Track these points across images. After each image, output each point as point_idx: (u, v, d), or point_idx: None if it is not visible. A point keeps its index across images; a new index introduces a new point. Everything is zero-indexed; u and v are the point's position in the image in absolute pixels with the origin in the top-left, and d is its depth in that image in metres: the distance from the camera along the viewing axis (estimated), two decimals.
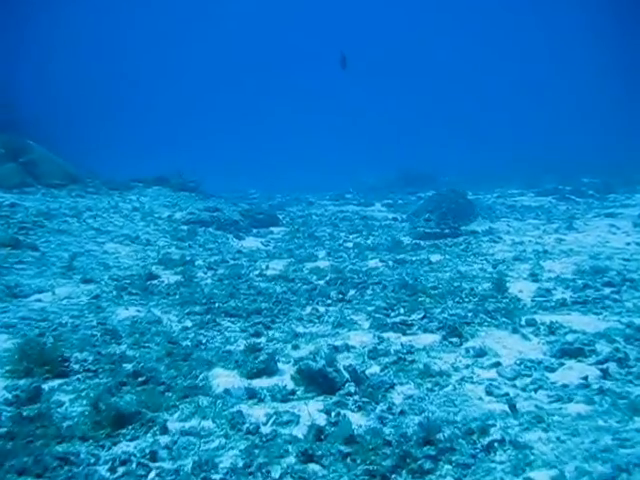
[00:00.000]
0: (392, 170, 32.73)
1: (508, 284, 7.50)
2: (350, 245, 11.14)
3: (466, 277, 8.36)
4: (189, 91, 65.77)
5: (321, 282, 8.39)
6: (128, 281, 8.31)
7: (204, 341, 5.99)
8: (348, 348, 5.56)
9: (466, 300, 7.01)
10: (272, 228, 13.02)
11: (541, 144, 39.25)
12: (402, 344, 5.55)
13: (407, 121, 55.79)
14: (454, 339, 5.56)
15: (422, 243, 10.98)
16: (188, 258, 9.86)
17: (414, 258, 9.82)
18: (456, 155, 38.58)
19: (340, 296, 7.39)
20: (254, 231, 12.59)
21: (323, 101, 64.95)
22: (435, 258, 9.72)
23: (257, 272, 9.10)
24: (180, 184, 14.26)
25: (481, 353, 5.18)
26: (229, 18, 70.53)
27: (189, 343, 5.89)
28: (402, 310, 6.69)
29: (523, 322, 6.04)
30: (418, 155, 38.38)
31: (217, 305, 7.15)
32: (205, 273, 9.07)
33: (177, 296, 7.60)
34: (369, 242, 11.49)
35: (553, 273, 8.28)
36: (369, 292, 7.63)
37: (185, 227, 11.85)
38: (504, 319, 6.17)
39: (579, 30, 54.41)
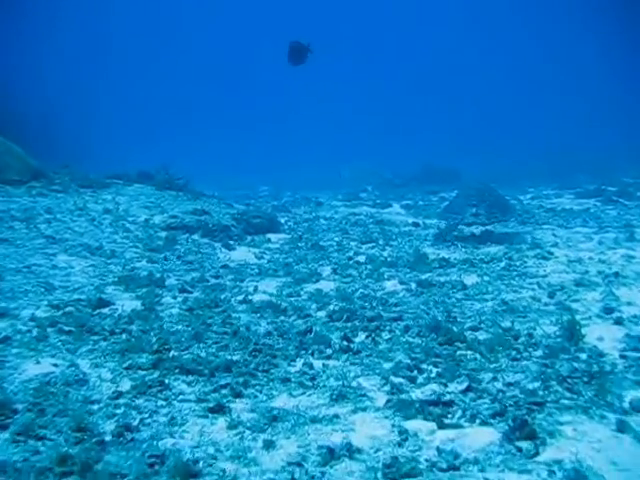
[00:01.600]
0: (411, 164, 30.67)
1: (579, 326, 5.36)
2: (362, 259, 9.04)
3: (516, 311, 6.24)
4: (196, 81, 64.05)
5: (322, 315, 6.34)
6: (70, 309, 6.31)
7: (136, 423, 3.94)
8: (351, 452, 3.47)
9: (525, 354, 4.90)
10: (270, 235, 10.93)
11: (569, 138, 36.99)
12: (439, 448, 3.45)
13: (426, 114, 53.65)
14: (524, 443, 3.43)
15: (452, 258, 8.83)
16: (158, 275, 7.83)
17: (443, 279, 7.71)
18: (478, 150, 36.42)
19: (345, 343, 5.29)
20: (248, 239, 10.52)
21: (341, 93, 63.15)
22: (470, 280, 7.60)
23: (241, 297, 7.06)
24: (166, 181, 12.23)
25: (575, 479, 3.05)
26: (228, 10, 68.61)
27: (112, 427, 3.84)
28: (434, 372, 4.58)
29: (626, 404, 3.91)
30: (438, 149, 36.31)
31: (172, 354, 5.09)
32: (174, 297, 7.03)
33: (123, 336, 5.56)
34: (385, 255, 9.38)
35: (636, 307, 6.13)
36: (385, 336, 5.53)
37: (164, 234, 9.80)
38: (593, 396, 4.04)
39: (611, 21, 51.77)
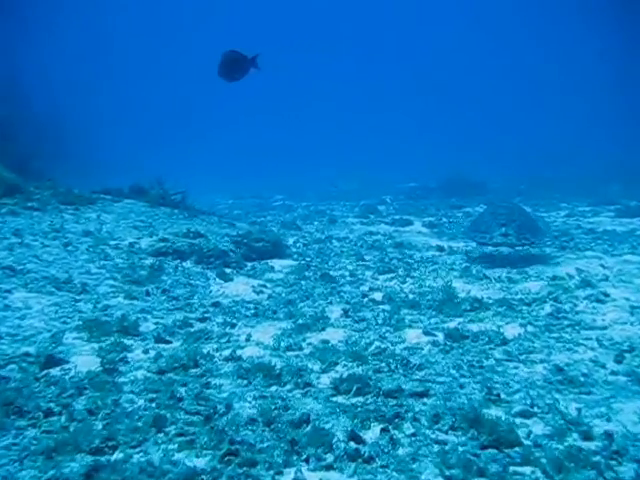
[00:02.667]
0: (432, 173, 29.31)
1: None
2: (379, 296, 7.64)
3: (576, 383, 4.81)
4: (211, 82, 63.07)
5: (326, 382, 4.97)
6: (11, 368, 5.02)
7: None
8: None
9: (607, 477, 3.45)
10: (275, 261, 9.58)
11: (596, 144, 35.43)
12: None
13: (446, 123, 52.33)
14: None
15: (485, 297, 7.39)
16: (133, 318, 6.51)
17: (476, 327, 6.29)
18: (501, 158, 34.94)
19: (352, 445, 3.87)
20: (248, 267, 9.17)
21: (364, 101, 62.23)
22: (510, 330, 6.17)
23: (228, 351, 5.71)
24: (160, 197, 10.93)
25: None
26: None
27: None
28: None
29: None
30: (459, 158, 34.90)
31: (116, 457, 3.74)
32: (146, 351, 5.69)
33: (62, 418, 4.23)
34: (406, 290, 7.98)
35: None
36: (407, 429, 4.11)
37: (150, 261, 8.48)
38: None
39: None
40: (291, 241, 11.78)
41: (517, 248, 9.83)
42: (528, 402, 4.43)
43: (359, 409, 4.40)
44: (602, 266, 8.87)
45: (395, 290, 7.98)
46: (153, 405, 4.51)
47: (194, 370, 5.28)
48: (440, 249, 10.75)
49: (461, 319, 6.67)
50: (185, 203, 11.18)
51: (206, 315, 6.89)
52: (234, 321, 6.72)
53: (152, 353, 5.63)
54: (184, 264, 8.80)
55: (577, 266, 8.92)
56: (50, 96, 29.49)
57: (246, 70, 8.23)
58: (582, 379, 4.86)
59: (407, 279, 8.62)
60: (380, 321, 6.68)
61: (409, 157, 39.73)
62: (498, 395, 4.55)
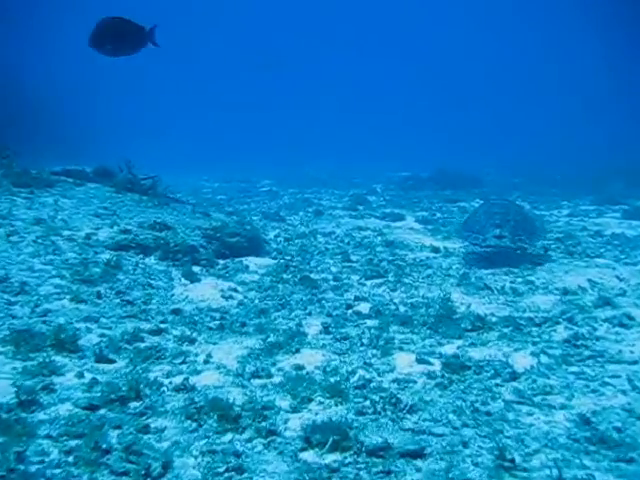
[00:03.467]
0: (425, 163, 28.38)
1: None
2: (366, 308, 6.64)
3: (608, 441, 3.82)
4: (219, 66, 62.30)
5: (294, 429, 3.98)
6: None
7: None
8: None
9: None
10: (251, 259, 8.54)
11: (596, 140, 34.57)
12: None
13: (443, 116, 51.35)
14: None
15: (487, 314, 6.39)
16: (74, 327, 5.47)
17: (479, 354, 5.30)
18: (497, 152, 34.03)
19: None
20: (219, 265, 8.13)
21: (358, 92, 61.47)
22: (520, 360, 5.19)
23: (181, 378, 4.70)
24: (128, 181, 9.82)
25: None
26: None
27: None
28: None
29: None
30: (454, 151, 34.02)
31: None
32: (80, 376, 4.68)
33: None
34: (397, 300, 6.98)
35: None
36: None
37: (106, 256, 7.40)
38: None
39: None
40: (272, 235, 10.73)
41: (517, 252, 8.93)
42: (553, 473, 3.43)
43: (333, 477, 3.39)
44: (617, 277, 7.89)
45: (384, 300, 6.98)
46: (70, 459, 3.49)
47: (135, 404, 4.27)
48: (435, 250, 9.74)
49: (461, 342, 5.67)
50: (156, 189, 10.08)
51: (163, 325, 5.86)
52: (194, 335, 5.69)
53: (87, 378, 4.61)
54: (146, 260, 7.74)
55: (589, 276, 7.94)
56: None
57: (139, 44, 6.67)
58: (616, 436, 3.88)
59: (398, 286, 7.61)
60: (366, 341, 5.67)
61: (401, 147, 38.81)
62: (512, 460, 3.56)
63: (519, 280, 7.89)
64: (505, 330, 5.92)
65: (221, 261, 8.30)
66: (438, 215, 13.86)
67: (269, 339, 5.59)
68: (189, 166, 31.61)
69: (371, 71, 67.13)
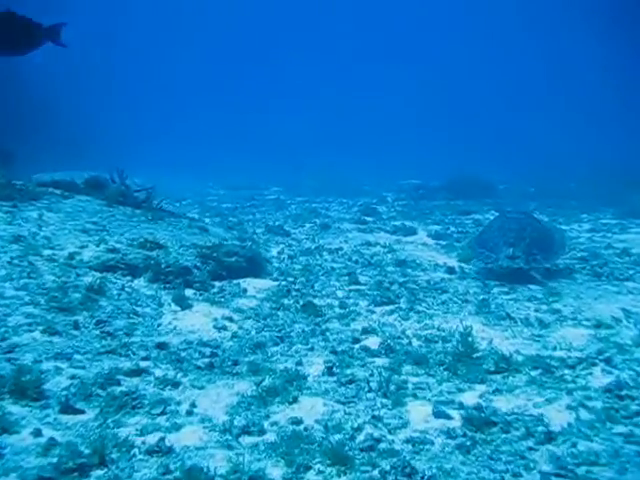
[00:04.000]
0: (435, 172, 27.68)
1: None
2: (375, 343, 5.91)
3: None
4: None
5: None
6: None
7: None
8: None
9: None
10: (249, 281, 7.84)
11: (608, 153, 33.78)
12: None
13: (452, 122, 50.60)
14: None
15: (513, 352, 5.64)
16: (44, 366, 4.82)
17: (505, 406, 4.58)
18: (511, 160, 33.22)
19: None
20: (215, 288, 7.42)
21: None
22: (555, 416, 4.45)
23: (156, 437, 4.04)
24: (120, 194, 9.14)
25: None
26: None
27: None
28: None
29: None
30: (465, 159, 33.26)
31: None
32: (37, 434, 3.99)
33: None
34: (410, 333, 6.26)
35: None
36: None
37: (89, 279, 6.71)
38: None
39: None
40: (274, 251, 10.03)
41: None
42: None
43: None
44: None
45: (395, 332, 6.25)
46: None
47: (98, 473, 3.55)
48: (450, 270, 9.01)
49: (484, 387, 4.94)
50: (151, 202, 9.39)
51: (144, 364, 5.16)
52: (179, 376, 4.99)
53: (45, 437, 3.91)
54: (134, 283, 7.05)
55: (622, 304, 7.20)
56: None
57: (35, 43, 5.83)
58: None
59: (411, 315, 6.88)
60: (375, 385, 4.94)
61: (412, 154, 38.12)
62: None
63: (544, 308, 7.14)
64: (534, 373, 5.18)
65: (217, 283, 7.59)
66: (451, 229, 13.11)
67: (264, 383, 4.88)
68: (195, 171, 31.06)
69: (383, 78, 66.47)
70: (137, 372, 5.00)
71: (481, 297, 7.55)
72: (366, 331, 6.20)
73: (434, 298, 7.50)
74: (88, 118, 34.38)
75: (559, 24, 55.36)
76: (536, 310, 7.07)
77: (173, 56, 61.20)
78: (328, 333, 6.20)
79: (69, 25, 6.10)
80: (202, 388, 4.83)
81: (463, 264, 9.49)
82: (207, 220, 15.24)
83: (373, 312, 6.98)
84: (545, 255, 8.98)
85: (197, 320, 6.33)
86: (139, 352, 5.42)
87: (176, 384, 4.84)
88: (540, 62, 59.55)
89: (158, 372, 5.04)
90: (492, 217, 12.71)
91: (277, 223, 13.74)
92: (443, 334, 6.17)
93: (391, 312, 6.96)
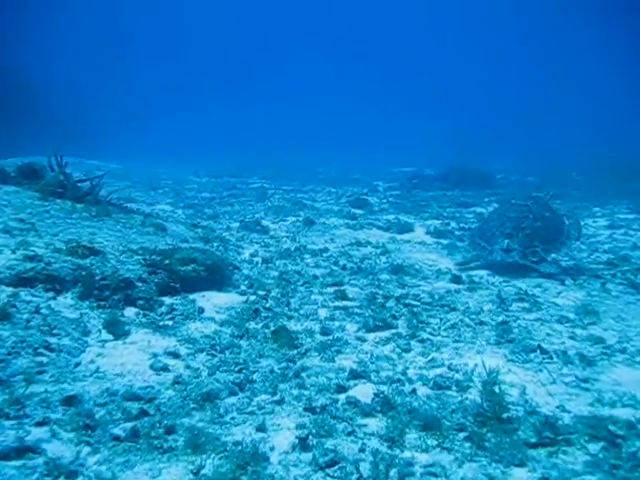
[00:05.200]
0: (428, 159, 26.29)
1: None
2: (367, 394, 4.34)
3: None
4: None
5: None
6: None
7: None
8: None
9: None
10: (209, 297, 6.25)
11: (608, 139, 32.44)
12: None
13: (448, 112, 49.18)
14: None
15: (556, 410, 4.09)
16: None
17: None
18: (503, 149, 31.82)
19: None
20: (163, 307, 5.83)
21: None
22: None
23: None
24: (58, 184, 7.50)
25: None
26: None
27: None
28: None
29: None
30: (461, 147, 31.83)
31: None
32: None
33: None
34: (414, 375, 4.73)
35: None
36: None
37: None
38: None
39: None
40: (247, 253, 8.45)
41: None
42: None
43: None
44: None
45: (393, 373, 4.68)
46: None
47: None
48: (456, 279, 7.45)
49: (525, 474, 3.38)
50: (96, 195, 7.75)
51: (35, 435, 3.56)
52: (83, 454, 3.40)
53: None
54: (57, 302, 5.44)
55: None
56: None
57: None
58: None
59: (412, 344, 5.32)
60: (367, 470, 3.37)
61: (402, 141, 36.77)
62: None
63: (581, 334, 5.60)
64: (593, 448, 3.64)
65: (167, 300, 5.99)
66: (452, 225, 11.56)
67: (205, 470, 3.30)
68: (186, 158, 29.67)
69: (376, 65, 65.00)
70: (21, 452, 3.41)
71: (500, 318, 5.99)
72: (355, 374, 4.62)
73: (440, 320, 5.93)
74: (79, 103, 32.86)
75: (557, 13, 53.91)
76: (571, 337, 5.52)
77: (173, 46, 59.67)
78: (304, 375, 4.62)
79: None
80: None
81: (471, 272, 7.93)
82: (179, 212, 13.66)
83: (364, 340, 5.40)
84: (547, 247, 7.91)
85: (131, 356, 4.74)
86: (35, 413, 3.82)
87: (71, 474, 3.25)
88: (535, 50, 58.15)
89: (52, 449, 3.45)
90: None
91: (256, 216, 12.17)
92: (457, 376, 4.61)
93: (387, 340, 5.39)
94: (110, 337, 5.04)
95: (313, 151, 33.30)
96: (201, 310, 5.83)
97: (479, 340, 5.41)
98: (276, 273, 7.48)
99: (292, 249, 8.84)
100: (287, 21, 66.95)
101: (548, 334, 5.57)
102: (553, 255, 8.02)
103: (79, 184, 7.89)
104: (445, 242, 9.88)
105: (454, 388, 4.44)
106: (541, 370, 4.74)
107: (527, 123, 40.57)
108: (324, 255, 8.61)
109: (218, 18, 64.24)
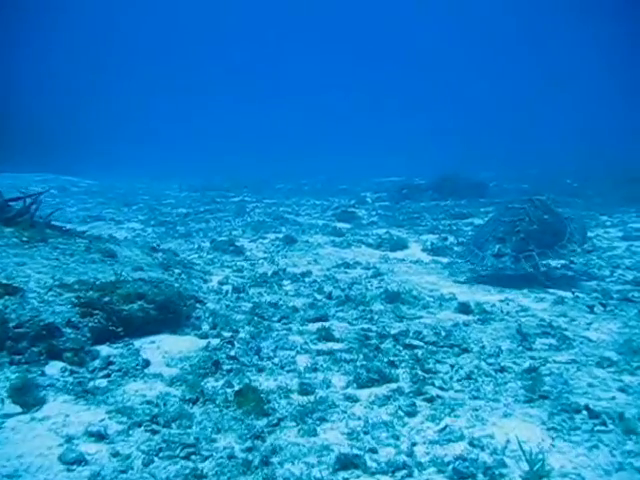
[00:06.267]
0: (417, 168, 25.26)
1: None
2: None
3: None
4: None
5: None
6: None
7: None
8: None
9: None
10: (160, 342, 4.98)
11: (598, 144, 31.70)
12: None
13: (433, 116, 48.31)
14: None
15: None
16: None
17: None
18: (492, 156, 30.86)
19: None
20: (97, 360, 4.55)
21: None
22: None
23: None
24: None
25: None
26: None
27: None
28: None
29: None
30: (447, 154, 30.93)
31: None
32: None
33: None
34: (421, 454, 3.49)
35: None
36: None
37: None
38: None
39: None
40: (216, 280, 7.19)
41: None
42: None
43: None
44: None
45: (398, 456, 3.41)
46: None
47: None
48: (464, 308, 6.22)
49: None
50: (32, 216, 6.46)
51: None
52: None
53: None
54: None
55: None
56: None
57: None
58: None
59: (419, 405, 4.07)
60: None
61: (390, 149, 35.82)
62: None
63: (632, 382, 4.35)
64: None
65: (104, 350, 4.70)
66: (450, 240, 10.36)
67: None
68: (173, 172, 28.61)
69: (361, 69, 64.19)
70: None
71: (526, 362, 4.75)
72: (345, 460, 3.34)
73: (451, 367, 4.69)
74: (61, 119, 31.80)
75: (545, 14, 53.35)
76: (622, 389, 4.32)
77: (156, 57, 58.80)
78: (276, 460, 3.36)
79: None
80: None
81: (479, 294, 6.73)
82: (148, 230, 12.40)
83: (355, 400, 4.14)
84: (544, 251, 7.23)
85: (35, 442, 3.45)
86: None
87: None
88: (522, 55, 57.51)
89: None
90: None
91: (233, 233, 10.93)
92: (483, 456, 3.37)
93: (385, 400, 4.13)
94: (16, 410, 3.75)
95: (298, 162, 32.21)
96: (146, 363, 4.55)
97: (504, 396, 4.17)
98: (248, 306, 6.22)
99: (269, 274, 7.59)
100: (271, 27, 66.07)
101: (590, 384, 4.34)
102: (550, 261, 7.51)
103: (11, 203, 6.59)
104: (445, 261, 8.67)
105: (481, 477, 3.18)
106: (596, 446, 3.49)
107: (514, 130, 39.79)
108: (306, 280, 7.36)
109: (199, 29, 63.25)
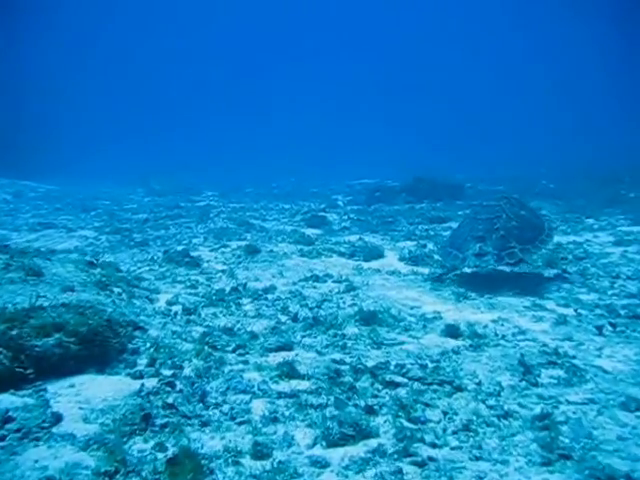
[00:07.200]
0: (388, 170, 24.47)
1: None
2: None
3: None
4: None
5: None
6: None
7: None
8: None
9: None
10: (80, 387, 3.97)
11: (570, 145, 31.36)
12: None
13: (404, 115, 47.69)
14: None
15: None
16: None
17: None
18: (465, 157, 30.26)
19: None
20: None
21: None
22: None
23: None
24: None
25: None
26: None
27: None
28: None
29: None
30: (418, 154, 30.26)
31: None
32: None
33: None
34: None
35: None
36: None
37: None
38: None
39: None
40: (164, 300, 6.16)
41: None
42: None
43: None
44: None
45: None
46: None
47: None
48: (452, 330, 5.30)
49: None
50: None
51: None
52: None
53: None
54: None
55: None
56: None
57: None
58: None
59: (405, 472, 3.11)
60: None
61: (360, 151, 35.04)
62: None
63: None
64: None
65: (5, 400, 3.67)
66: (429, 247, 9.46)
67: None
68: (145, 177, 27.41)
69: (333, 70, 63.51)
70: None
71: (535, 405, 3.84)
72: None
73: (444, 414, 3.75)
74: (32, 123, 30.56)
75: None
76: None
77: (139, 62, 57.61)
78: None
79: None
80: None
81: (468, 311, 5.81)
82: (102, 239, 11.32)
83: (324, 466, 3.19)
84: (526, 246, 6.93)
85: None
86: None
87: None
88: (494, 53, 57.27)
89: None
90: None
91: (194, 241, 9.92)
92: None
93: (363, 465, 3.19)
94: None
95: (270, 165, 31.24)
96: (56, 418, 3.53)
97: (513, 456, 3.25)
98: (200, 331, 5.23)
99: (227, 290, 6.61)
100: (244, 36, 65.21)
101: (620, 437, 3.44)
102: (534, 257, 7.17)
103: None
104: (426, 271, 7.75)
105: None
106: None
107: (489, 131, 39.32)
108: (269, 297, 6.40)
109: (175, 36, 62.14)
